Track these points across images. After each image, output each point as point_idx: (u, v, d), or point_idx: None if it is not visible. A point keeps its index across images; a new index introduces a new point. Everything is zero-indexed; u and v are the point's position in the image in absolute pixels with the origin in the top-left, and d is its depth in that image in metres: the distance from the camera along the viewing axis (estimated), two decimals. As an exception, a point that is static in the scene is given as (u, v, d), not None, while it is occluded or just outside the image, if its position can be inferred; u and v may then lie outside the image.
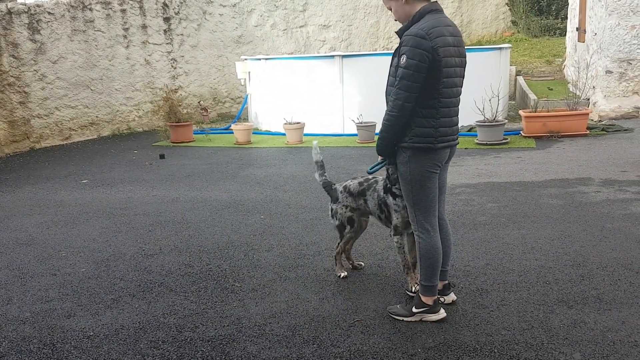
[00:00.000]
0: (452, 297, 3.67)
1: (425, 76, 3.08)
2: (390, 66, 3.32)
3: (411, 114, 3.15)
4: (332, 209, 4.12)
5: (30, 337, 3.52)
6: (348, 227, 4.07)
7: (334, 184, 4.16)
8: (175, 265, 4.60)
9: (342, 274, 4.12)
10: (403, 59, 3.09)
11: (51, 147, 11.21)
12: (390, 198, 3.69)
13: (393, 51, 3.36)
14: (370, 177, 3.93)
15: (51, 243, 5.33)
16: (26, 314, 3.85)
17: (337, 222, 4.10)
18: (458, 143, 3.42)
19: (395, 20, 3.36)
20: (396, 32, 3.31)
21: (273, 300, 3.84)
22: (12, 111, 10.69)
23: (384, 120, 3.23)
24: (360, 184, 3.97)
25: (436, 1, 3.27)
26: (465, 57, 3.29)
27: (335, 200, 4.10)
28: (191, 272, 4.43)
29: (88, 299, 4.04)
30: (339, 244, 4.15)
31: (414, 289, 3.65)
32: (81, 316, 3.77)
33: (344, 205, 4.04)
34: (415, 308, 3.42)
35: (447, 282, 3.65)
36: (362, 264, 4.31)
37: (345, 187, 4.05)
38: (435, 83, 3.13)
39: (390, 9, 3.32)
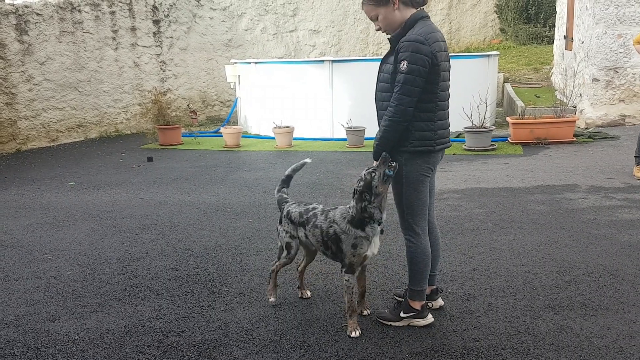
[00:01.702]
0: (439, 302, 3.67)
1: (425, 80, 3.11)
2: (379, 72, 3.33)
3: (411, 118, 3.17)
4: (277, 229, 3.81)
5: (15, 341, 3.47)
6: (285, 252, 3.71)
7: (285, 203, 3.80)
8: (162, 269, 4.57)
9: (271, 299, 3.80)
10: (404, 64, 3.09)
11: (38, 149, 11.10)
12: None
13: (382, 57, 3.37)
14: (310, 207, 3.57)
15: (36, 245, 5.27)
16: (10, 317, 3.80)
17: (279, 244, 3.79)
18: (450, 145, 3.47)
19: (377, 30, 3.31)
20: (389, 39, 3.30)
21: (260, 305, 3.83)
22: (-1, 112, 10.60)
23: (383, 125, 3.21)
24: (301, 214, 3.57)
25: (423, 8, 3.29)
26: (450, 62, 3.35)
27: (280, 221, 3.77)
28: (178, 276, 4.40)
29: (73, 302, 4.00)
30: (275, 262, 3.81)
31: (353, 334, 3.33)
32: (66, 320, 3.73)
33: (284, 230, 3.70)
34: (403, 313, 3.42)
35: (435, 287, 3.65)
36: (309, 294, 3.90)
37: (287, 213, 3.68)
38: (434, 87, 3.17)
39: (374, 19, 3.26)
